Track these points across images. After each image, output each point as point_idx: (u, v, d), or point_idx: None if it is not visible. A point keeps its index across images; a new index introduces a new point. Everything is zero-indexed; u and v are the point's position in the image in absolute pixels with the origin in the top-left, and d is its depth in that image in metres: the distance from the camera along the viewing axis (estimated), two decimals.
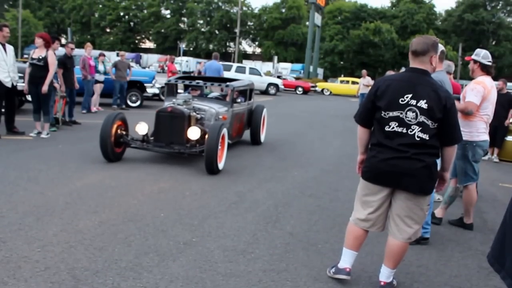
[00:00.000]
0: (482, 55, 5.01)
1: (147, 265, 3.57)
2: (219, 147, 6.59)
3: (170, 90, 8.83)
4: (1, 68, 7.90)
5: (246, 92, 9.45)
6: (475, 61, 5.03)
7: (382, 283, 3.43)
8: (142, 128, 7.12)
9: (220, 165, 6.77)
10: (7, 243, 3.78)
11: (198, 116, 7.55)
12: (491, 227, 5.35)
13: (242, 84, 9.11)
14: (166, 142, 7.04)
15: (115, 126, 6.81)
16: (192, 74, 21.38)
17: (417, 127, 3.12)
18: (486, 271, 4.04)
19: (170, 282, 3.33)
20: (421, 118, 3.11)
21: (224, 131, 6.77)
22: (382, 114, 3.22)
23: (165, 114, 7.12)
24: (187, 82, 8.62)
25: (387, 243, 3.41)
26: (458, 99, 5.07)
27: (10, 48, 8.21)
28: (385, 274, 3.43)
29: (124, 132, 7.04)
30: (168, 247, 3.96)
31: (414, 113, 3.12)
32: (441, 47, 4.34)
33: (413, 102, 3.13)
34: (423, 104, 3.11)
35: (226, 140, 7.00)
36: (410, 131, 3.14)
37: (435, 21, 66.83)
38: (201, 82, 8.71)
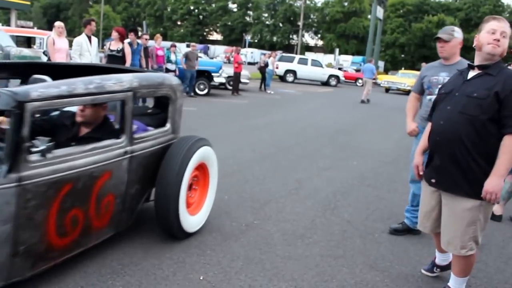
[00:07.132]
0: None
1: (210, 244, 3.77)
2: None
3: None
4: (85, 58, 8.44)
5: (125, 109, 3.15)
6: None
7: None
8: None
9: None
10: None
11: None
12: None
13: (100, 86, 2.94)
14: None
15: None
16: (257, 66, 22.00)
17: None
18: None
19: (232, 261, 3.51)
20: None
21: None
22: None
23: None
24: None
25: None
26: None
27: (95, 40, 8.77)
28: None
29: None
30: (230, 227, 4.15)
31: None
32: None
33: None
34: None
35: None
36: None
37: (502, 13, 63.27)
38: None
